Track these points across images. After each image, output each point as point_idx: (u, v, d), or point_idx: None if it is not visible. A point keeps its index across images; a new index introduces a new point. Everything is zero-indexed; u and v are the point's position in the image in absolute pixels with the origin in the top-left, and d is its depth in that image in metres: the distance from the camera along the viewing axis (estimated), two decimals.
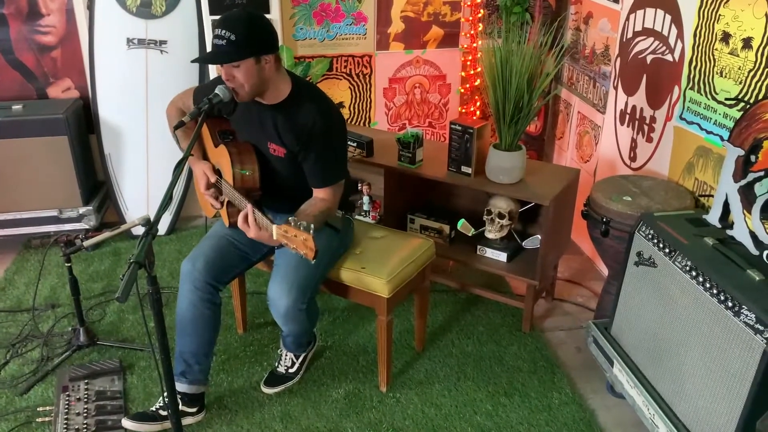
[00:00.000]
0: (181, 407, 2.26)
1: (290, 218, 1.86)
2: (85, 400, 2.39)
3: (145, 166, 3.56)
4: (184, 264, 2.26)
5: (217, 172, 2.29)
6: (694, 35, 2.48)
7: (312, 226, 1.81)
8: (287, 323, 2.26)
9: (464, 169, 2.76)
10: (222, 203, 2.28)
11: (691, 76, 2.51)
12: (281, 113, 2.17)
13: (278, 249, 2.33)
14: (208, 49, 3.08)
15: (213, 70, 3.43)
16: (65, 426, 2.27)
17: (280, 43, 3.41)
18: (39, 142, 3.26)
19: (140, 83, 3.44)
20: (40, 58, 3.50)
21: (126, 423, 2.26)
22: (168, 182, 1.76)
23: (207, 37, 3.38)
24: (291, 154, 2.20)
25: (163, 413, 2.26)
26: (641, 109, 2.88)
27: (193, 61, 2.20)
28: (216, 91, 2.10)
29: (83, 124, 3.52)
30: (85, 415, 2.32)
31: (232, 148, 2.21)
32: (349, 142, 2.98)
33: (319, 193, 2.21)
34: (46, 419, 2.33)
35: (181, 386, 2.27)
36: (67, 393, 2.42)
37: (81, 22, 3.45)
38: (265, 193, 2.24)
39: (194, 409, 2.32)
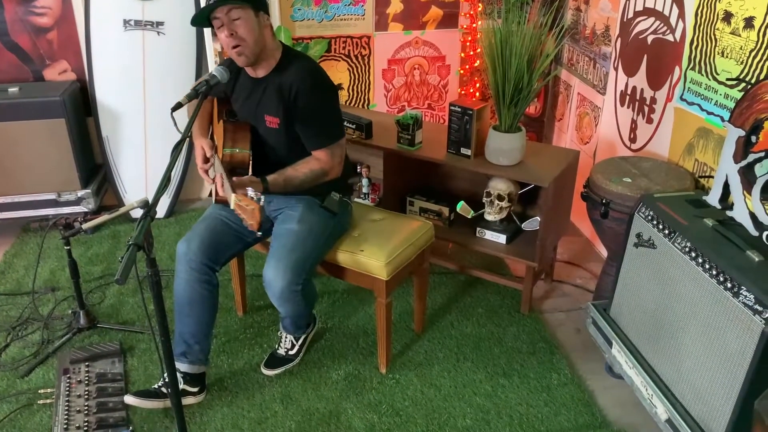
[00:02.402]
0: (182, 386, 2.28)
1: (249, 188, 1.94)
2: (86, 382, 2.40)
3: (143, 149, 3.55)
4: (179, 245, 2.27)
5: (216, 149, 2.29)
6: (696, 15, 2.45)
7: (262, 198, 1.91)
8: (283, 304, 2.27)
9: (464, 151, 2.75)
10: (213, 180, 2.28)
11: (692, 56, 2.49)
12: (272, 80, 2.22)
13: (274, 232, 2.33)
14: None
15: (210, 57, 3.40)
16: (66, 408, 2.28)
17: (278, 23, 3.39)
18: (36, 125, 3.24)
19: (137, 65, 3.42)
20: (36, 39, 3.47)
21: (128, 399, 2.27)
22: (166, 164, 1.75)
23: None
24: (284, 123, 2.22)
25: (165, 391, 2.27)
26: (641, 90, 2.86)
27: (193, 22, 2.16)
28: (213, 72, 2.09)
29: (80, 106, 3.50)
30: (86, 397, 2.34)
31: (228, 126, 2.23)
32: (347, 124, 2.97)
33: (316, 154, 2.24)
34: (48, 401, 2.35)
35: (182, 366, 2.28)
36: (68, 375, 2.43)
37: (77, 3, 3.41)
38: (263, 173, 2.23)
39: (195, 389, 2.34)
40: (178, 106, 1.99)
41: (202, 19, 2.13)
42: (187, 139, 1.87)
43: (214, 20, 2.10)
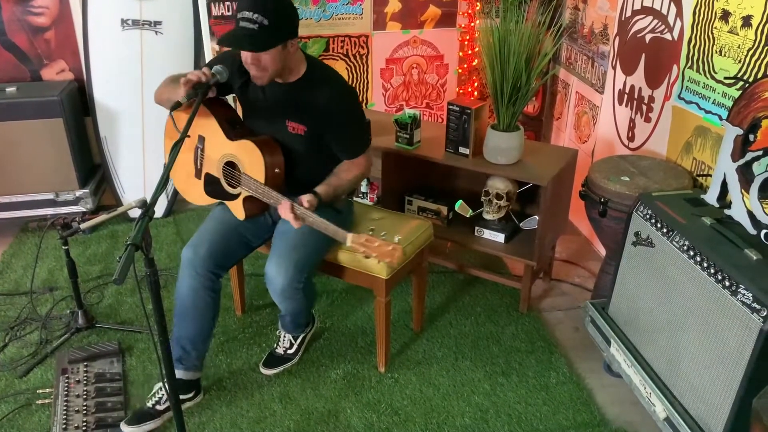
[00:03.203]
0: None
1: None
2: (85, 382, 2.40)
3: (141, 149, 3.54)
4: (185, 250, 2.23)
5: (229, 164, 2.25)
6: (694, 13, 2.46)
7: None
8: (284, 301, 2.27)
9: (462, 150, 2.75)
10: (236, 195, 2.26)
11: (690, 55, 2.49)
12: (298, 91, 2.19)
13: (277, 230, 2.33)
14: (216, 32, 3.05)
15: (208, 57, 3.40)
16: (65, 408, 2.28)
17: None
18: (34, 124, 3.24)
19: (135, 65, 3.41)
20: (34, 39, 3.46)
21: (125, 429, 2.21)
22: (164, 164, 1.75)
23: (202, 17, 3.35)
24: (311, 132, 2.21)
25: (159, 407, 2.25)
26: (639, 89, 2.87)
27: (221, 43, 2.06)
28: (213, 70, 2.08)
29: (78, 106, 3.50)
30: (84, 396, 2.33)
31: (261, 144, 2.16)
32: None
33: (354, 161, 2.29)
34: (46, 401, 2.34)
35: (176, 372, 2.25)
36: (67, 375, 2.43)
37: (74, 2, 3.42)
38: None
39: (190, 394, 2.33)
40: (177, 105, 1.98)
41: (228, 45, 2.06)
42: (186, 139, 1.85)
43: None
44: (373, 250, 1.89)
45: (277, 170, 2.18)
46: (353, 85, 3.81)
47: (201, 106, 2.03)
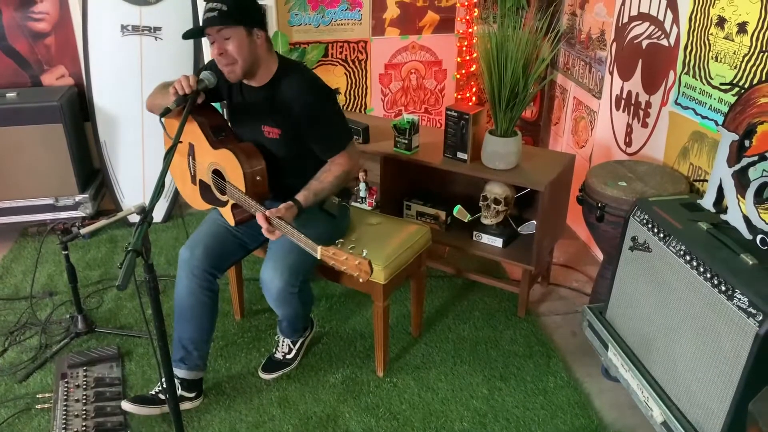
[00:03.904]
0: (179, 392, 2.28)
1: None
2: (84, 386, 2.41)
3: (140, 154, 3.55)
4: (182, 251, 2.27)
5: (216, 173, 2.26)
6: (690, 20, 2.47)
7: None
8: (280, 306, 2.28)
9: (460, 155, 2.76)
10: (225, 202, 2.27)
11: (687, 61, 2.51)
12: (269, 92, 2.20)
13: None
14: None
15: (207, 59, 3.41)
16: (65, 412, 2.28)
17: (275, 29, 3.41)
18: (34, 129, 3.25)
19: (135, 70, 3.43)
20: (34, 45, 3.48)
21: (125, 405, 2.27)
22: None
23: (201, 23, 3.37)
24: (285, 134, 2.21)
25: (162, 397, 2.28)
26: (637, 94, 2.88)
27: (184, 36, 2.14)
28: (200, 76, 2.10)
29: (78, 111, 3.51)
30: (84, 401, 2.34)
31: (240, 153, 2.16)
32: None
33: (335, 160, 2.24)
34: (46, 406, 2.35)
35: (179, 372, 2.29)
36: (66, 380, 2.43)
37: (74, 8, 3.43)
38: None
39: (192, 394, 2.34)
40: (166, 111, 2.00)
41: (194, 34, 2.13)
42: (181, 144, 1.86)
43: (207, 35, 2.09)
44: (341, 263, 1.86)
45: (258, 178, 2.16)
46: (352, 90, 3.83)
47: (189, 114, 2.04)
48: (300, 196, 2.13)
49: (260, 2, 3.24)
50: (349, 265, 1.84)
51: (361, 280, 1.83)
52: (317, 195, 2.18)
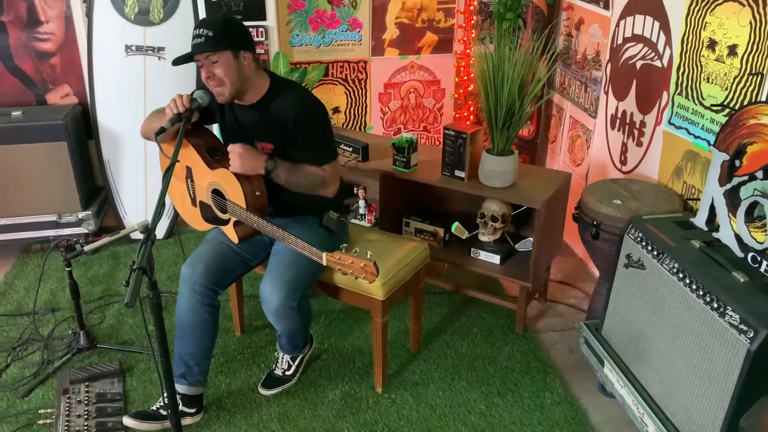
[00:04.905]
0: (180, 408, 2.30)
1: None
2: (86, 402, 2.43)
3: (143, 172, 3.60)
4: (184, 268, 2.30)
5: (215, 192, 2.31)
6: (682, 42, 2.53)
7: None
8: (279, 321, 2.31)
9: (458, 173, 2.80)
10: (227, 221, 2.31)
11: (679, 81, 2.56)
12: (262, 109, 2.26)
13: (273, 249, 2.37)
14: None
15: None
16: (66, 428, 2.30)
17: (277, 49, 3.47)
18: (38, 147, 3.30)
19: (138, 89, 3.48)
20: (39, 64, 3.54)
21: (127, 421, 2.29)
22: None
23: None
24: (279, 148, 2.27)
25: (164, 412, 2.30)
26: (631, 114, 2.93)
27: (174, 63, 2.20)
28: (194, 95, 2.15)
29: (82, 129, 3.56)
30: (85, 417, 2.36)
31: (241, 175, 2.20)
32: (344, 147, 3.03)
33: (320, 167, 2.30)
34: (47, 421, 2.37)
35: (180, 387, 2.31)
36: (68, 395, 2.45)
37: (80, 29, 3.49)
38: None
39: (193, 410, 2.36)
40: (161, 130, 2.04)
41: (183, 60, 2.19)
42: (176, 163, 1.89)
43: (195, 60, 2.15)
44: (347, 267, 1.91)
45: (258, 193, 2.20)
46: (352, 109, 3.88)
47: (185, 131, 2.09)
48: (279, 159, 2.20)
49: (263, 24, 3.34)
50: (355, 267, 1.87)
51: (368, 282, 1.86)
52: (292, 170, 2.23)
